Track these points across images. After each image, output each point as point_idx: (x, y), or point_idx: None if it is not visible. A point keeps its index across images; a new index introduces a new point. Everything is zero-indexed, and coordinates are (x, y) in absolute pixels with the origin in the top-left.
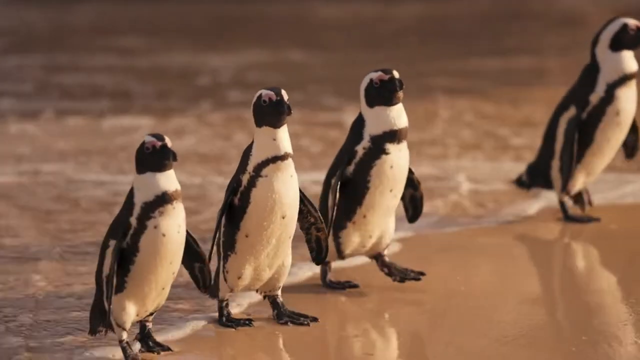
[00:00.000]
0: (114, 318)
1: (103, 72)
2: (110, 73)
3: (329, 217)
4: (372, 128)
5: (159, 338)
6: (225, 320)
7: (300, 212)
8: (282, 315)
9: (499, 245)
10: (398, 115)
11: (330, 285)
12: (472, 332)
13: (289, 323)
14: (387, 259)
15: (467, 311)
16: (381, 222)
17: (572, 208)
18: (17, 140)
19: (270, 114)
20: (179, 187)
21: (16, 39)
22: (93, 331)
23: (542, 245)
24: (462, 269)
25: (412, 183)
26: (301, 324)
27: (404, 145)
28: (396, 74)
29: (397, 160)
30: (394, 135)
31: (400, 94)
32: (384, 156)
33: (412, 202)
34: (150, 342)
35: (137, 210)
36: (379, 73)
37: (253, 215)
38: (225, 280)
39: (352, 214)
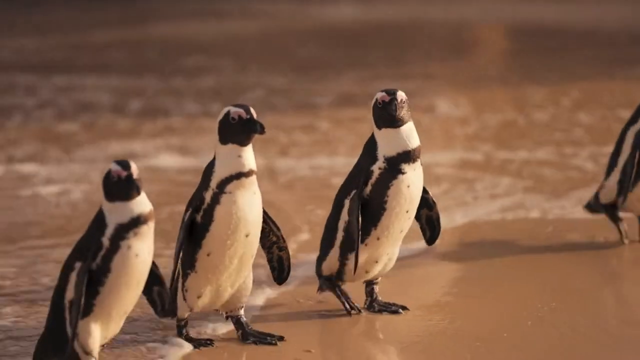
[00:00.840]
0: (81, 345)
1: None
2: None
3: (355, 241)
4: (385, 149)
5: None
6: (186, 339)
7: (262, 230)
8: (247, 335)
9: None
10: (408, 136)
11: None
12: (368, 338)
13: (256, 342)
14: (376, 288)
15: (362, 318)
16: (391, 247)
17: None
18: None
19: (239, 132)
20: (151, 207)
21: None
22: None
23: (439, 254)
24: None
25: (427, 203)
26: (269, 343)
27: (418, 164)
28: (400, 95)
29: (413, 179)
30: (408, 156)
31: (403, 115)
32: (400, 176)
33: (429, 223)
34: None
35: (110, 231)
36: (382, 94)
37: (216, 233)
38: (185, 299)
39: (366, 236)
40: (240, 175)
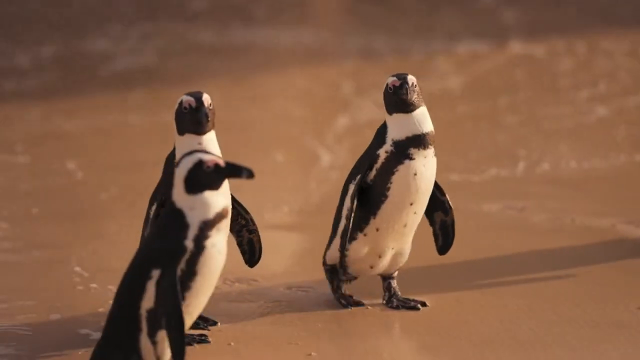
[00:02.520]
0: (158, 355)
1: None
2: None
3: (344, 227)
4: (395, 133)
5: None
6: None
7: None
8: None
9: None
10: (420, 120)
11: (341, 300)
12: (377, 333)
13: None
14: (394, 283)
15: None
16: (395, 241)
17: None
18: None
19: (190, 121)
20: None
21: None
22: None
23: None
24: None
25: (442, 206)
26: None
27: (430, 152)
28: (410, 79)
29: (421, 169)
30: (418, 141)
31: (414, 99)
32: (407, 161)
33: (443, 230)
34: None
35: (193, 232)
36: (393, 78)
37: None
38: None
39: (365, 224)
40: None
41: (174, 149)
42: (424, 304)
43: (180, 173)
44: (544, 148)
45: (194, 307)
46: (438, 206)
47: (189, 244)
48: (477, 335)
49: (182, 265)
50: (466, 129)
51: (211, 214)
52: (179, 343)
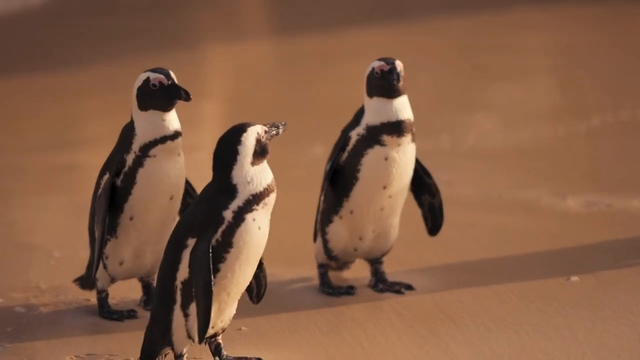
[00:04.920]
0: (189, 328)
1: None
2: None
3: (318, 208)
4: (370, 117)
5: None
6: (107, 312)
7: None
8: (148, 303)
9: None
10: (399, 108)
11: (325, 291)
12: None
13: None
14: (381, 267)
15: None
16: (374, 223)
17: None
18: None
19: (161, 98)
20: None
21: None
22: (151, 357)
23: None
24: None
25: (429, 189)
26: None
27: (405, 140)
28: (398, 65)
29: (393, 155)
30: (392, 127)
31: (400, 86)
32: (378, 147)
33: (431, 211)
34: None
35: (237, 203)
36: (381, 63)
37: (139, 197)
38: (105, 267)
39: (339, 207)
40: (165, 138)
41: (132, 121)
42: (410, 287)
43: (248, 147)
44: (470, 122)
45: (230, 281)
46: (425, 189)
47: (228, 214)
48: (404, 307)
49: (217, 235)
50: None
51: (260, 187)
52: (204, 314)
